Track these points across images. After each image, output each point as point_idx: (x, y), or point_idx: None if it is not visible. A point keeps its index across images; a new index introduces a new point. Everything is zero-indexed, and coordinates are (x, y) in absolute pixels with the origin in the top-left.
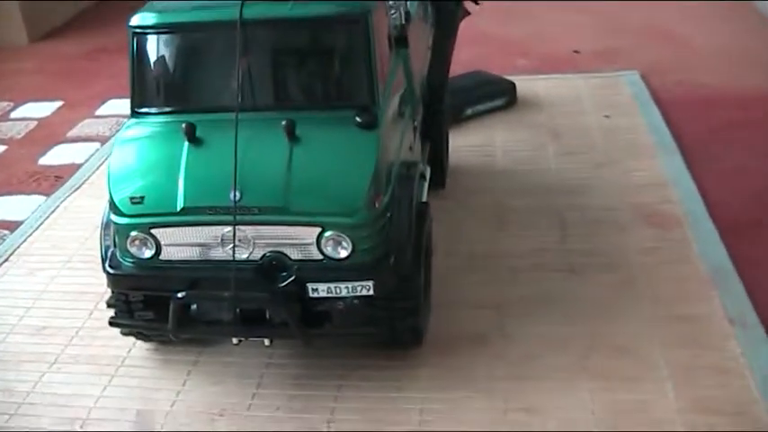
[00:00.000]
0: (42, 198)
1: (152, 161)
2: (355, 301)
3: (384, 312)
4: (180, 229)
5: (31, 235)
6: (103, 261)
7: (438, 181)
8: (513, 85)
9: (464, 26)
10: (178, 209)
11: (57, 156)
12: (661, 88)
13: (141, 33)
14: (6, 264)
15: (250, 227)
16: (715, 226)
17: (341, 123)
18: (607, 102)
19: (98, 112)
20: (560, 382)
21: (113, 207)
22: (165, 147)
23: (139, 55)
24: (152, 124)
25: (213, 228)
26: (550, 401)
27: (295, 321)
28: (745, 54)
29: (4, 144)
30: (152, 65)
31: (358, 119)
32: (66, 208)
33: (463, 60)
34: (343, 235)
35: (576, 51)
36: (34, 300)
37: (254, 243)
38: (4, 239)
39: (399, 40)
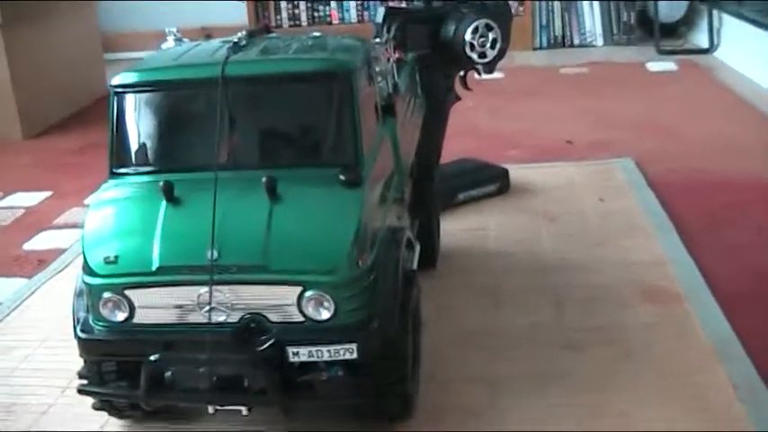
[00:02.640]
0: (24, 281)
1: (128, 221)
2: (339, 372)
3: (370, 381)
4: (155, 290)
5: (8, 315)
6: (75, 327)
7: (429, 261)
8: (505, 171)
9: (454, 119)
10: (153, 268)
11: (41, 241)
12: (655, 174)
13: (122, 92)
14: None
15: (228, 287)
16: (716, 300)
17: (324, 181)
18: (601, 187)
19: (86, 201)
20: None
21: (87, 268)
22: (142, 207)
23: (119, 114)
24: (129, 185)
25: (189, 288)
26: None
27: (274, 387)
28: (735, 142)
29: None
30: (132, 124)
31: (342, 176)
32: (47, 290)
33: (453, 151)
34: (325, 294)
35: (568, 142)
36: (5, 377)
37: (232, 304)
38: None
39: (386, 109)
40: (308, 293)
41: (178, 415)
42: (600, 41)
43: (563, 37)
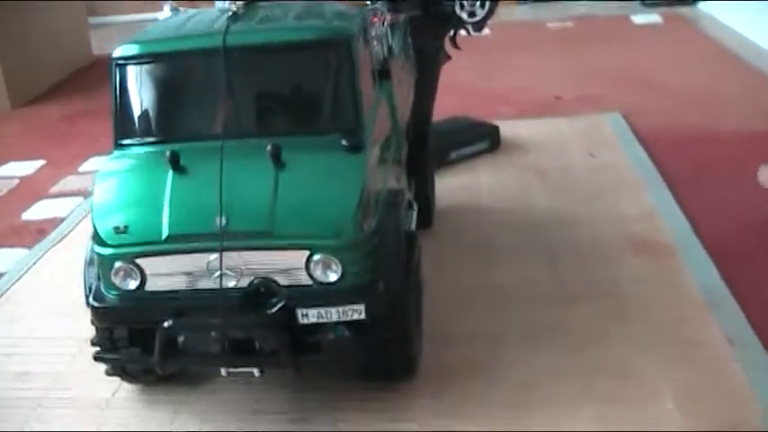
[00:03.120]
0: (25, 251)
1: (136, 191)
2: (345, 332)
3: (376, 341)
4: (165, 257)
5: (12, 285)
6: (87, 296)
7: (424, 220)
8: (496, 128)
9: (443, 77)
10: (163, 237)
11: (40, 211)
12: (643, 128)
13: (123, 64)
14: None
15: (237, 252)
16: (707, 253)
17: (326, 147)
18: (591, 142)
19: (80, 169)
20: (564, 409)
21: (97, 238)
22: (149, 176)
23: (122, 86)
24: (135, 155)
25: (199, 255)
26: (558, 426)
27: (285, 348)
28: (721, 95)
29: None
30: (135, 96)
31: (344, 142)
32: (49, 260)
33: (444, 109)
34: (333, 257)
35: (557, 97)
36: (15, 346)
37: (241, 270)
38: None
39: (382, 73)
40: (315, 257)
41: (190, 378)
42: None
43: None
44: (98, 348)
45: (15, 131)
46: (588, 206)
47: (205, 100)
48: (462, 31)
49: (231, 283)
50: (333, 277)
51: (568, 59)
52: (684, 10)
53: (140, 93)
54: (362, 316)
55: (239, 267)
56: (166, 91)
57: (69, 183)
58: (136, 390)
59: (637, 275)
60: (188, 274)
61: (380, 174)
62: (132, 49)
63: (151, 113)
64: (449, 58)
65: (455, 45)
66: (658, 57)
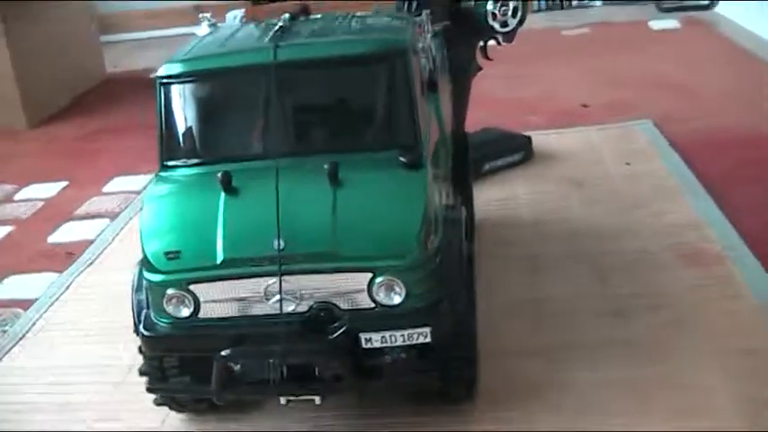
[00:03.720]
0: (55, 275)
1: (187, 214)
2: (402, 355)
3: (438, 364)
4: (220, 283)
5: (46, 312)
6: (137, 324)
7: (468, 234)
8: (528, 139)
9: (472, 90)
10: (218, 262)
11: (66, 233)
12: (676, 135)
13: (168, 83)
14: (22, 341)
15: (296, 276)
16: (758, 261)
17: (384, 164)
18: (624, 150)
19: (105, 190)
20: (628, 422)
21: (147, 264)
22: (200, 198)
23: (167, 106)
24: (183, 177)
25: (256, 280)
26: None
27: (349, 374)
28: (748, 98)
29: (10, 225)
30: (181, 115)
31: (402, 158)
32: (81, 283)
33: (473, 121)
34: (397, 279)
35: (584, 105)
36: (55, 376)
37: (300, 294)
38: (19, 318)
39: (430, 85)
40: (378, 279)
41: (242, 406)
42: (598, 1)
43: None
44: (147, 378)
45: (34, 151)
46: (629, 216)
47: (255, 118)
48: (491, 42)
49: (290, 308)
50: (396, 299)
51: (589, 66)
52: (702, 14)
53: (186, 112)
54: (428, 339)
55: (298, 291)
56: (214, 110)
57: (95, 204)
58: (185, 419)
59: (688, 285)
60: (243, 299)
61: (438, 190)
62: (177, 68)
63: (198, 133)
64: (480, 68)
65: (486, 56)
66: (680, 61)
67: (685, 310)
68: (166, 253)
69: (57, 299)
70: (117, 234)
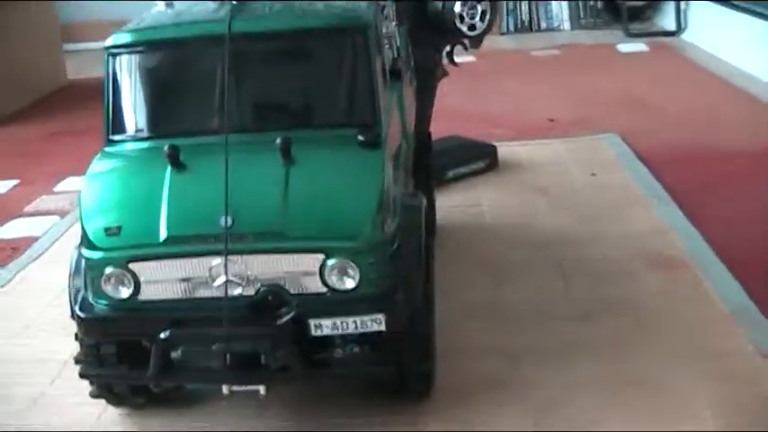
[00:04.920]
0: None
1: (131, 189)
2: (356, 349)
3: (392, 355)
4: (162, 262)
5: None
6: (72, 306)
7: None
8: (494, 148)
9: (437, 103)
10: (161, 239)
11: (13, 229)
12: (643, 148)
13: (117, 54)
14: None
15: (243, 256)
16: (725, 266)
17: (340, 142)
18: (591, 161)
19: (56, 189)
20: (593, 424)
21: (86, 241)
22: (145, 173)
23: (115, 78)
24: (129, 152)
25: (201, 259)
26: None
27: (296, 363)
28: (713, 116)
29: None
30: (130, 87)
31: (360, 137)
32: (24, 278)
33: (434, 133)
34: (350, 262)
35: (550, 120)
36: None
37: (247, 276)
38: None
39: (393, 73)
40: (330, 261)
41: (185, 399)
42: (567, 26)
43: (530, 21)
44: (81, 365)
45: None
46: (595, 223)
47: (207, 92)
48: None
49: (236, 291)
50: (349, 284)
51: (557, 85)
52: (669, 40)
53: (136, 84)
54: (382, 327)
55: (245, 273)
56: (164, 82)
57: (45, 202)
58: (123, 413)
59: (654, 290)
60: (187, 280)
61: (397, 176)
62: (126, 37)
63: (147, 106)
64: (446, 74)
65: (452, 61)
66: (647, 81)
67: (651, 313)
68: (106, 229)
69: None
70: (66, 231)
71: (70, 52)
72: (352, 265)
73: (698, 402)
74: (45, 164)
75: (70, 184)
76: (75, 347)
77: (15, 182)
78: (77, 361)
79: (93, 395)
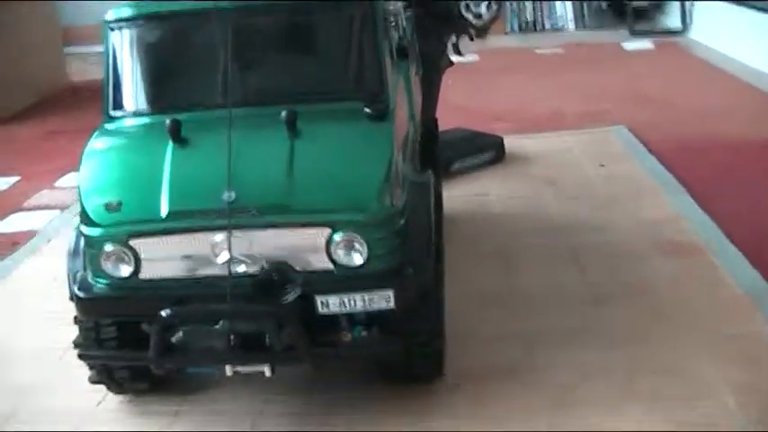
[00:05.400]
0: None
1: (131, 164)
2: (364, 333)
3: (401, 334)
4: (164, 238)
5: None
6: (71, 286)
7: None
8: (500, 139)
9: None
10: (162, 214)
11: (13, 223)
12: (652, 140)
13: (117, 28)
14: None
15: (247, 231)
16: (740, 252)
17: (347, 115)
18: (600, 153)
19: (57, 184)
20: (609, 408)
21: (85, 218)
22: (146, 149)
23: (115, 52)
24: (129, 128)
25: (203, 235)
26: (603, 427)
27: (302, 342)
28: (720, 109)
29: None
30: (129, 62)
31: (368, 109)
32: (24, 270)
33: (442, 128)
34: (357, 236)
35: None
36: None
37: (251, 252)
38: None
39: (400, 51)
40: (337, 235)
41: (185, 386)
42: (571, 26)
43: (534, 21)
44: (80, 347)
45: None
46: (607, 212)
47: (210, 66)
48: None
49: (240, 269)
50: (357, 259)
51: (563, 81)
52: (675, 38)
53: (136, 59)
54: (391, 304)
55: (249, 249)
56: (166, 56)
57: (45, 197)
58: (123, 400)
59: (670, 275)
60: (189, 258)
61: (404, 152)
62: (127, 11)
63: (148, 81)
64: (451, 63)
65: (457, 51)
66: (654, 77)
67: (667, 298)
68: (106, 205)
69: None
70: (65, 225)
71: (72, 54)
72: (360, 239)
73: (720, 387)
74: (46, 161)
75: (71, 179)
76: (73, 337)
77: (16, 178)
78: (76, 344)
79: (93, 380)
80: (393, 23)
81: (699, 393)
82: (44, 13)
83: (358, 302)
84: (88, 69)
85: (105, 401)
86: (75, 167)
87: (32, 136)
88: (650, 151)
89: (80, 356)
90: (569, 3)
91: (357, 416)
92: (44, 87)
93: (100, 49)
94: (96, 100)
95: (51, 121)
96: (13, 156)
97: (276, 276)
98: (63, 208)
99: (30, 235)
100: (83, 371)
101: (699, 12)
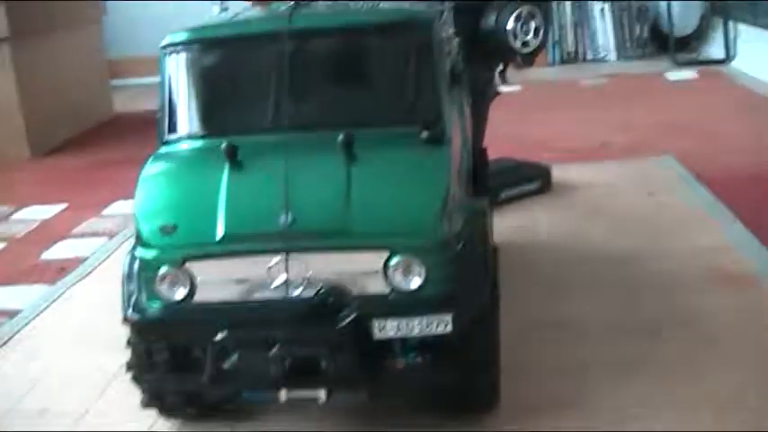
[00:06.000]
0: (45, 288)
1: (187, 188)
2: (418, 359)
3: (457, 365)
4: (219, 261)
5: (31, 321)
6: (125, 309)
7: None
8: (547, 169)
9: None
10: (218, 237)
11: (61, 250)
12: (700, 170)
13: (173, 52)
14: (3, 348)
15: (303, 255)
16: None
17: (404, 140)
18: (646, 183)
19: (104, 213)
20: None
21: (140, 241)
22: (202, 172)
23: (171, 76)
24: (185, 151)
25: (259, 259)
26: None
27: (358, 367)
28: None
29: (4, 242)
30: (186, 86)
31: (425, 134)
32: (72, 296)
33: (489, 156)
34: (415, 259)
35: (604, 144)
36: (34, 383)
37: (307, 275)
38: (2, 325)
39: (454, 77)
40: (395, 259)
41: (236, 413)
42: (613, 56)
43: (576, 52)
44: (133, 370)
45: (35, 179)
46: (657, 242)
47: (266, 89)
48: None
49: (295, 293)
50: (415, 283)
51: (607, 111)
52: (718, 68)
53: (192, 83)
54: (449, 328)
55: (305, 273)
56: (221, 80)
57: (93, 224)
58: (174, 425)
59: (724, 306)
60: (244, 281)
61: (460, 178)
62: (184, 36)
63: (204, 105)
64: (498, 93)
65: (504, 79)
66: (699, 107)
67: (722, 328)
68: (162, 228)
69: (43, 310)
70: (113, 251)
71: (118, 87)
72: (418, 262)
73: None
74: (93, 190)
75: (118, 207)
76: (122, 361)
77: (63, 206)
78: (129, 366)
79: (144, 404)
80: (448, 50)
81: (758, 424)
82: (91, 46)
83: (415, 327)
84: (133, 102)
85: (156, 426)
86: (122, 197)
87: (78, 166)
88: (698, 180)
89: (133, 379)
90: (611, 33)
91: None
92: (90, 119)
93: (145, 81)
94: (141, 131)
95: (97, 151)
96: (59, 185)
97: (332, 300)
98: (110, 236)
99: (77, 262)
100: (131, 397)
101: (742, 41)
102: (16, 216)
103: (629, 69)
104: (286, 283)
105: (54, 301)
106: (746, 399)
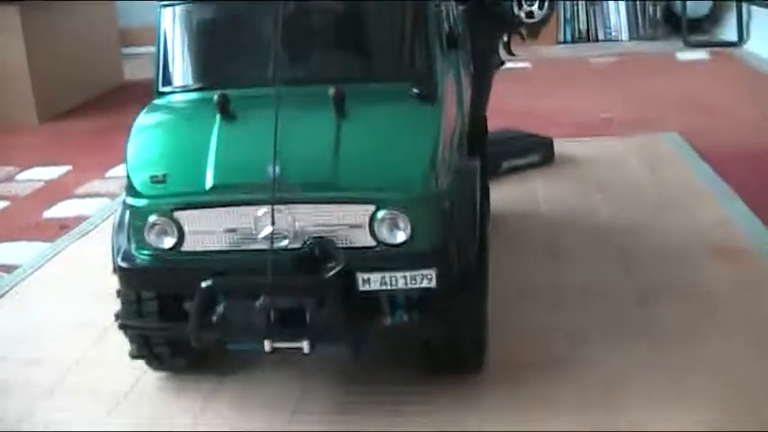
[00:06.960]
0: (45, 245)
1: (178, 138)
2: (405, 317)
3: (443, 322)
4: (208, 211)
5: (29, 276)
6: (114, 258)
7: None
8: (550, 141)
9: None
10: (207, 187)
11: (63, 209)
12: (704, 146)
13: (169, 5)
14: (1, 300)
15: (290, 207)
16: None
17: (395, 95)
18: (650, 158)
19: (108, 175)
20: (656, 405)
21: (131, 189)
22: (194, 123)
23: (166, 29)
24: (178, 103)
25: (247, 209)
26: (657, 417)
27: (342, 319)
28: None
29: (7, 201)
30: (180, 39)
31: (416, 90)
32: (71, 253)
33: (490, 128)
34: (401, 213)
35: (605, 118)
36: (27, 333)
37: (294, 227)
38: (1, 279)
39: (450, 40)
40: (381, 213)
41: (223, 366)
42: (625, 36)
43: (587, 31)
44: (121, 317)
45: (41, 143)
46: (656, 215)
47: (259, 44)
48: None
49: (282, 243)
50: (400, 237)
51: (615, 89)
52: (730, 50)
53: (186, 37)
54: (433, 284)
55: (292, 225)
56: (215, 33)
57: (96, 186)
58: (161, 378)
59: (720, 277)
60: (232, 231)
61: (452, 134)
62: None
63: (198, 58)
64: (502, 63)
65: (509, 50)
66: (707, 86)
67: (717, 298)
68: (152, 177)
69: (41, 265)
70: (116, 209)
71: (127, 55)
72: (403, 217)
73: None
74: (98, 154)
75: (121, 170)
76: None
77: (67, 168)
78: (117, 316)
79: (133, 355)
80: (444, 12)
81: (752, 395)
82: (101, 15)
83: (399, 281)
84: (142, 70)
85: (144, 377)
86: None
87: (86, 131)
88: (702, 158)
89: (120, 327)
90: (623, 13)
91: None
92: (99, 86)
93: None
94: (148, 98)
95: (104, 117)
96: (65, 148)
97: (318, 252)
98: (113, 196)
99: (78, 220)
100: (121, 348)
101: (756, 24)
102: (21, 176)
103: (639, 49)
104: (272, 233)
105: (53, 257)
106: (740, 366)
